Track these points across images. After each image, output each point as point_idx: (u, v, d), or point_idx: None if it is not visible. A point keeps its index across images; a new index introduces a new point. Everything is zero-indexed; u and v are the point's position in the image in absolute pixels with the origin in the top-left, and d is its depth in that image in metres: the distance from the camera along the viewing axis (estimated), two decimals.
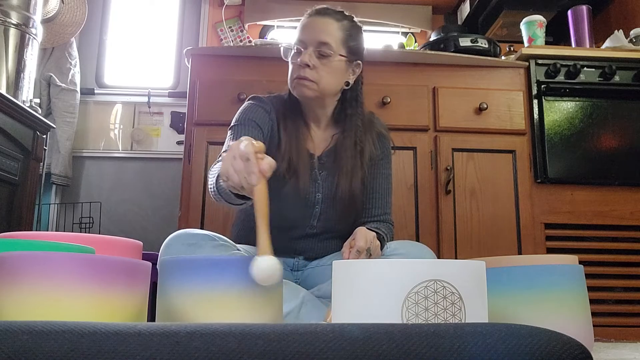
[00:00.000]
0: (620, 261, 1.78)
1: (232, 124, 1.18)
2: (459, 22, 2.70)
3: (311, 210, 1.20)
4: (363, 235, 1.01)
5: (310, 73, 1.13)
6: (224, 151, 1.09)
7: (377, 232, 1.08)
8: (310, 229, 1.22)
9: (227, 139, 1.16)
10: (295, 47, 1.16)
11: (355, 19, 1.24)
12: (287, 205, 1.17)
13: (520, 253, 1.74)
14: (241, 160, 0.75)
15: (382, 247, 1.09)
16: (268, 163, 0.75)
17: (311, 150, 1.22)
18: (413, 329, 0.41)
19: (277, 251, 1.25)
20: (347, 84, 1.20)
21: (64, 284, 0.58)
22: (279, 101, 1.24)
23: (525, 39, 2.00)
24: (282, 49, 1.19)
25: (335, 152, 1.20)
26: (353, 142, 1.19)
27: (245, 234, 1.27)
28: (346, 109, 1.22)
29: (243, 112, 1.20)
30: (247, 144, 0.75)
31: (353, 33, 1.20)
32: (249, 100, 1.24)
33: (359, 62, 1.22)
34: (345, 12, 1.22)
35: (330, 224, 1.22)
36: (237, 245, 1.18)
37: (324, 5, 1.20)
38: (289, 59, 1.18)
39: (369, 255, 1.01)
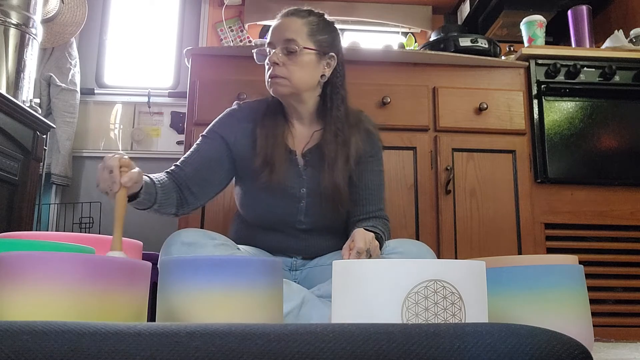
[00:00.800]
0: (620, 261, 1.78)
1: (203, 133, 1.27)
2: (459, 22, 2.70)
3: (297, 205, 1.22)
4: (362, 237, 1.01)
5: (281, 70, 1.17)
6: (191, 149, 1.24)
7: (375, 232, 1.08)
8: (299, 224, 1.23)
9: (195, 143, 1.26)
10: (267, 50, 1.20)
11: (326, 16, 1.27)
12: (274, 202, 1.21)
13: (520, 253, 1.74)
14: (107, 172, 0.92)
15: (381, 247, 1.09)
16: (129, 176, 0.92)
17: (292, 146, 1.24)
18: (413, 329, 0.41)
19: (274, 250, 1.28)
20: (323, 77, 1.22)
21: (64, 284, 0.58)
22: (262, 104, 1.28)
23: (525, 39, 2.00)
24: (254, 54, 1.23)
25: (319, 147, 1.23)
26: (334, 135, 1.21)
27: (242, 234, 1.28)
28: (326, 103, 1.24)
29: (214, 123, 1.28)
30: (113, 158, 0.92)
31: (320, 27, 1.22)
32: (231, 107, 1.31)
33: (333, 54, 1.22)
34: (313, 10, 1.25)
35: (318, 219, 1.23)
36: (238, 245, 1.18)
37: (292, 7, 1.24)
38: (267, 61, 1.21)
39: (369, 256, 1.01)
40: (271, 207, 1.22)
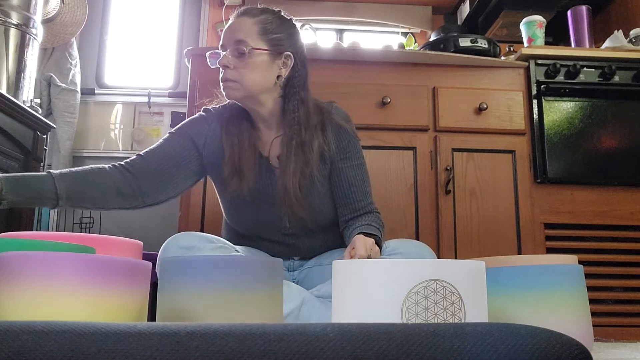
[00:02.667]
0: (620, 261, 1.78)
1: (172, 129, 1.23)
2: (459, 23, 2.70)
3: (279, 211, 1.17)
4: (362, 244, 1.00)
5: (231, 73, 1.12)
6: (156, 144, 1.19)
7: (374, 235, 1.08)
8: (285, 229, 1.20)
9: (162, 138, 1.21)
10: (219, 52, 1.16)
11: (283, 13, 1.20)
12: (256, 209, 1.18)
13: (520, 253, 1.74)
14: None
15: (380, 249, 1.09)
16: None
17: (264, 152, 1.20)
18: (413, 329, 0.41)
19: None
20: (280, 77, 1.16)
21: (64, 284, 0.58)
22: (228, 109, 1.23)
23: (525, 39, 2.00)
24: (207, 58, 1.18)
25: (284, 149, 1.17)
26: (290, 139, 1.15)
27: (232, 236, 1.27)
28: (285, 105, 1.18)
29: (185, 122, 1.24)
30: None
31: (274, 25, 1.15)
32: (200, 111, 1.27)
33: (289, 53, 1.16)
34: (268, 8, 1.18)
35: (302, 223, 1.19)
36: (236, 246, 1.18)
37: (245, 7, 1.18)
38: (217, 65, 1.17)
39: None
40: (254, 215, 1.19)
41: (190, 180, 1.22)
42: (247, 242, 1.24)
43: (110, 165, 1.13)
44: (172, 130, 1.23)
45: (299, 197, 1.14)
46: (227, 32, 1.15)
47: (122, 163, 1.15)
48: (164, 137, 1.21)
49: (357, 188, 1.21)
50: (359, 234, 1.07)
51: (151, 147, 1.19)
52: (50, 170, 1.04)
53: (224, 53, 1.13)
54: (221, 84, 1.14)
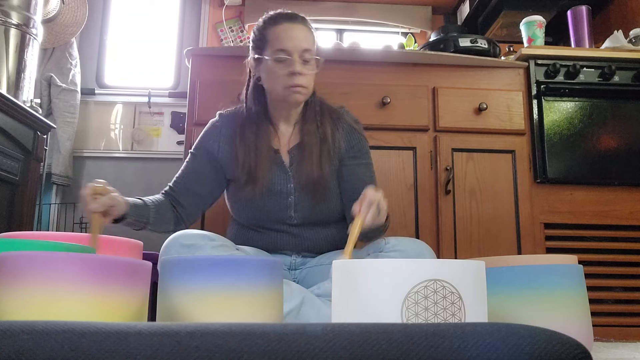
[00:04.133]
0: (620, 261, 1.78)
1: (191, 149, 1.32)
2: (459, 23, 2.70)
3: (286, 201, 1.25)
4: (372, 190, 1.03)
5: (303, 80, 1.20)
6: (182, 167, 1.31)
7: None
8: (290, 220, 1.25)
9: (185, 161, 1.32)
10: (278, 56, 1.20)
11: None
12: (263, 201, 1.24)
13: (520, 253, 1.74)
14: (82, 199, 1.04)
15: (385, 222, 1.11)
16: (99, 203, 1.02)
17: (277, 146, 1.28)
18: (413, 329, 0.41)
19: (270, 249, 1.29)
20: None
21: (64, 284, 0.58)
22: (241, 115, 1.30)
23: (524, 39, 2.00)
24: (271, 61, 1.21)
25: (300, 141, 1.27)
26: (315, 127, 1.26)
27: (239, 235, 1.30)
28: (308, 101, 1.29)
29: (199, 138, 1.33)
30: (87, 187, 1.03)
31: (314, 35, 1.27)
32: (215, 117, 1.34)
33: (320, 59, 1.27)
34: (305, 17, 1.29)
35: (307, 213, 1.25)
36: (237, 245, 1.18)
37: (292, 12, 1.26)
38: (278, 69, 1.20)
39: (378, 210, 1.02)
40: (261, 207, 1.25)
41: (218, 191, 1.33)
42: (252, 233, 1.29)
43: (166, 200, 1.26)
44: (191, 150, 1.32)
45: (328, 182, 1.24)
46: (292, 40, 1.21)
47: (170, 194, 1.28)
48: (186, 160, 1.32)
49: (365, 183, 1.25)
50: None
51: (177, 175, 1.31)
52: (144, 199, 1.20)
53: (290, 58, 1.19)
54: (288, 88, 1.20)
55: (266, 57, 1.22)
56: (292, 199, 1.25)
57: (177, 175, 1.30)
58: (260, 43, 1.25)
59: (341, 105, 1.36)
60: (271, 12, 1.27)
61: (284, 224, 1.25)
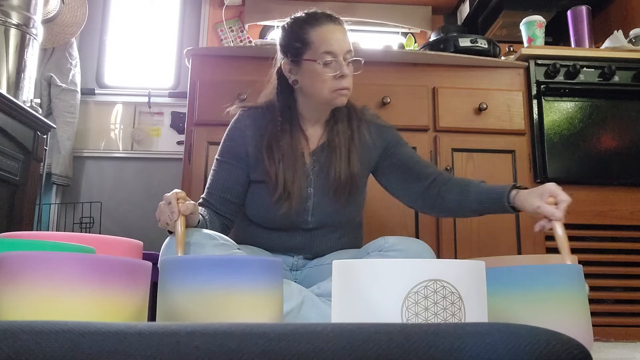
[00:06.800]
0: (620, 261, 1.78)
1: (217, 156, 1.28)
2: (459, 23, 2.70)
3: (304, 205, 1.22)
4: (555, 188, 1.05)
5: (349, 82, 1.20)
6: (211, 176, 1.26)
7: (519, 187, 1.15)
8: (305, 224, 1.23)
9: (213, 168, 1.27)
10: (327, 60, 1.17)
11: None
12: (280, 207, 1.20)
13: (520, 253, 1.74)
14: (166, 204, 1.01)
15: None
16: (186, 205, 1.00)
17: (304, 148, 1.25)
18: (413, 329, 0.42)
19: (276, 249, 1.28)
20: None
21: (64, 284, 0.58)
22: (265, 114, 1.26)
23: (524, 39, 2.00)
24: (320, 65, 1.17)
25: (329, 141, 1.25)
26: (345, 126, 1.25)
27: (245, 232, 1.29)
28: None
29: (224, 143, 1.28)
30: (172, 193, 1.01)
31: None
32: (236, 116, 1.30)
33: None
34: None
35: (324, 217, 1.23)
36: (238, 244, 1.18)
37: (333, 14, 1.23)
38: (325, 72, 1.17)
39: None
40: (276, 211, 1.21)
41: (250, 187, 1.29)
42: (262, 231, 1.26)
43: (210, 211, 1.21)
44: (218, 156, 1.28)
45: (358, 181, 1.23)
46: (338, 42, 1.19)
47: (207, 206, 1.22)
48: (213, 168, 1.27)
49: (419, 158, 1.31)
50: (516, 187, 1.14)
51: (208, 186, 1.26)
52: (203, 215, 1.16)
53: (336, 60, 1.17)
54: (336, 91, 1.18)
55: (311, 60, 1.18)
56: (311, 203, 1.23)
57: (208, 185, 1.26)
58: (300, 45, 1.20)
59: (364, 105, 1.36)
60: (305, 12, 1.23)
61: (298, 227, 1.24)
